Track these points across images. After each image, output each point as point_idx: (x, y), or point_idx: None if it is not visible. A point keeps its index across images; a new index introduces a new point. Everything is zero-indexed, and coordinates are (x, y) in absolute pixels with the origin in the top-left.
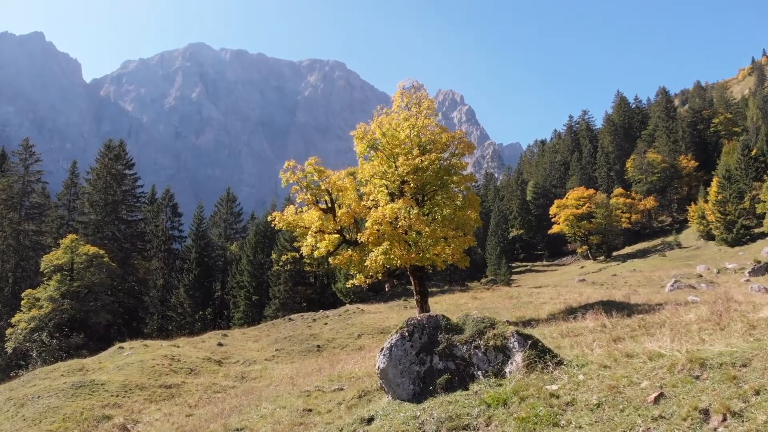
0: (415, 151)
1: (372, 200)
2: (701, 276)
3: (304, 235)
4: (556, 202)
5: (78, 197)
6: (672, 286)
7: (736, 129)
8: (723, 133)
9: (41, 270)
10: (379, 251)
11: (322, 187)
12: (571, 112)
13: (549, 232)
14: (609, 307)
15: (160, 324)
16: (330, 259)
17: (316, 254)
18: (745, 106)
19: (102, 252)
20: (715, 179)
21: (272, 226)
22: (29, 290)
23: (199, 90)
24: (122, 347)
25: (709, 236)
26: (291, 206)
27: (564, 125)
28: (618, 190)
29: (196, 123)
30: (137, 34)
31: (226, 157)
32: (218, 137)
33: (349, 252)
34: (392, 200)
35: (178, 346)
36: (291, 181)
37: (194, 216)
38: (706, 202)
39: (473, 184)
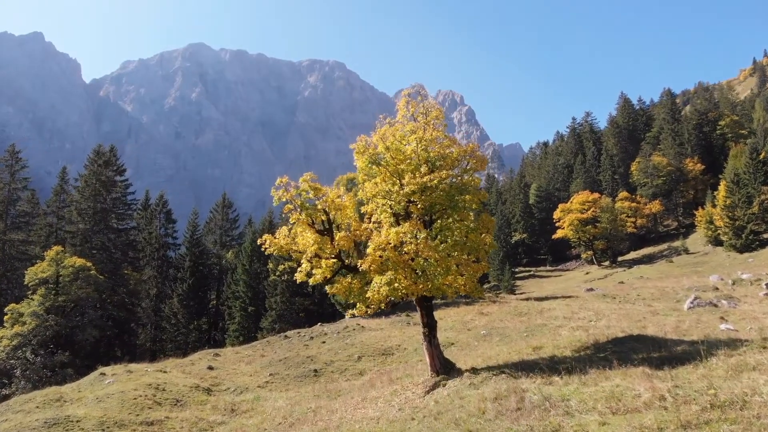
0: (423, 168)
1: (374, 222)
2: (717, 289)
3: (299, 259)
4: (560, 206)
5: (68, 205)
6: (691, 303)
7: (743, 131)
8: (729, 135)
9: (26, 283)
10: (383, 281)
11: (319, 207)
12: (570, 112)
13: (553, 237)
14: (643, 345)
15: (154, 335)
16: (327, 288)
17: (311, 281)
18: (751, 108)
19: (89, 264)
20: (722, 183)
21: (263, 250)
22: (12, 305)
23: (198, 90)
24: (104, 373)
25: (717, 242)
26: (284, 228)
27: (567, 127)
28: (623, 194)
29: (196, 123)
30: (137, 35)
31: (225, 158)
32: (218, 137)
33: (349, 279)
34: (397, 222)
35: (164, 371)
36: (284, 200)
37: (188, 222)
38: (714, 206)
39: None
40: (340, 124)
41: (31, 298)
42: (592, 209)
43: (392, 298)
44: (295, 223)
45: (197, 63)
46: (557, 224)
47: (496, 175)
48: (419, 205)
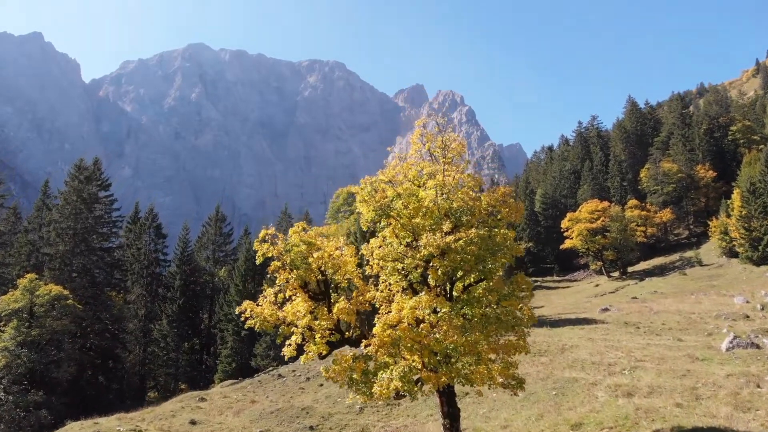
0: (446, 225)
1: (382, 291)
2: (748, 317)
3: (286, 334)
4: (569, 215)
5: (47, 223)
6: (730, 343)
7: (755, 137)
8: (741, 141)
9: None
10: (395, 373)
11: (313, 266)
12: (571, 112)
13: (561, 247)
14: None
15: (143, 358)
16: (322, 370)
17: (303, 360)
18: (762, 112)
19: (66, 293)
20: (736, 192)
21: (242, 321)
22: None
23: (198, 90)
24: None
25: (731, 253)
26: (269, 290)
27: (573, 131)
28: (632, 202)
29: (196, 124)
30: (136, 35)
31: (225, 158)
32: (217, 138)
33: (350, 356)
34: (411, 288)
35: (139, 430)
36: (269, 255)
37: (179, 238)
38: (728, 216)
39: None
40: (340, 125)
41: (2, 331)
42: (601, 218)
43: (406, 392)
44: (283, 285)
45: (197, 63)
46: (565, 234)
47: (495, 175)
48: (440, 271)
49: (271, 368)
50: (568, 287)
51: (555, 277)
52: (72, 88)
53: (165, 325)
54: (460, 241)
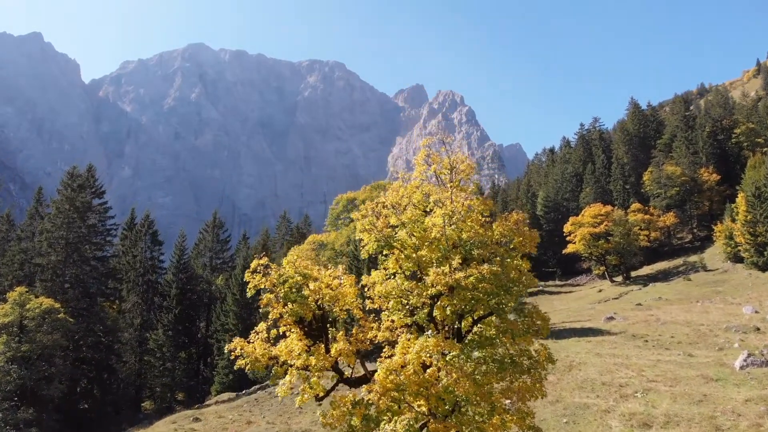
0: (455, 260)
1: (385, 329)
2: (759, 330)
3: (279, 375)
4: (571, 219)
5: (39, 233)
6: (744, 361)
7: (759, 140)
8: (745, 144)
9: None
10: (399, 426)
11: (309, 299)
12: (570, 112)
13: (564, 251)
14: None
15: (138, 368)
16: (319, 415)
17: (298, 402)
18: (766, 115)
19: (57, 306)
20: (741, 196)
21: (231, 359)
22: None
23: (198, 91)
24: None
25: (736, 258)
26: (261, 325)
27: (575, 134)
28: (635, 206)
29: (195, 124)
30: (136, 35)
31: (225, 158)
32: (217, 138)
33: (348, 400)
34: (416, 326)
35: None
36: (261, 287)
37: (175, 246)
38: (733, 220)
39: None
40: (340, 125)
41: None
42: (604, 223)
43: None
44: (276, 320)
45: (197, 63)
46: (568, 238)
47: (495, 175)
48: (448, 310)
49: (268, 381)
50: (570, 292)
51: (557, 282)
52: (72, 89)
53: (161, 335)
54: (471, 278)
